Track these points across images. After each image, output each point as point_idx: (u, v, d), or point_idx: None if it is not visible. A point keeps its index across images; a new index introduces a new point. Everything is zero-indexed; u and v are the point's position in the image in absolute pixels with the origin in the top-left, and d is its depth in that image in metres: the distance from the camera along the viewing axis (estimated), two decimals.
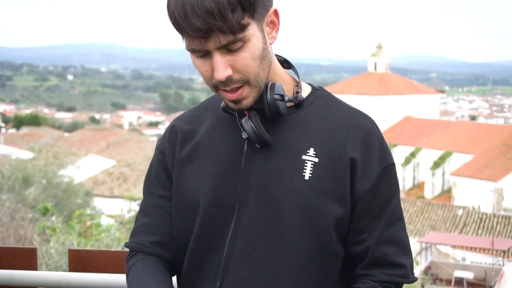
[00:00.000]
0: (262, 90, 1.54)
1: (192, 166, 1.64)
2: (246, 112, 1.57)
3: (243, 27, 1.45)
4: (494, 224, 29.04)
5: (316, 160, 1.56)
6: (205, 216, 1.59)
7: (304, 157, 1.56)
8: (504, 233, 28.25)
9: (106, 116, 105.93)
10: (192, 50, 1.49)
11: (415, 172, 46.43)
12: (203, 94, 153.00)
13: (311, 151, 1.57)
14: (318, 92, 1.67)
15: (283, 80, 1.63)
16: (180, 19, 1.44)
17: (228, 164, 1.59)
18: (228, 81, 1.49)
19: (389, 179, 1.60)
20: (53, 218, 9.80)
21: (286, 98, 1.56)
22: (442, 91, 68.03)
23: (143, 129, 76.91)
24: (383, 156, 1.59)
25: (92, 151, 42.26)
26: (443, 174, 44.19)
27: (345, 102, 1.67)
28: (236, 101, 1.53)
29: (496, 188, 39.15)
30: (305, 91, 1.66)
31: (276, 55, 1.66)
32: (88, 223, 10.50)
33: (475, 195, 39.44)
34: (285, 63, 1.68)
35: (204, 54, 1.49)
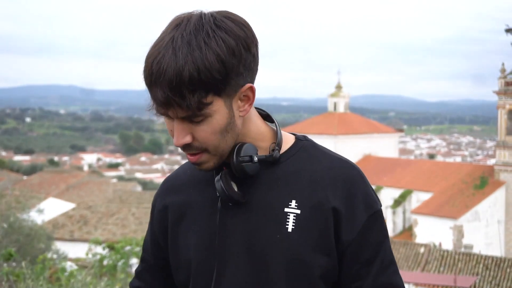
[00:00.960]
0: (225, 155, 1.55)
1: (183, 226, 1.67)
2: (224, 168, 1.58)
3: (203, 106, 1.45)
4: (456, 261, 29.26)
5: (299, 211, 1.56)
6: (195, 273, 1.62)
7: (286, 209, 1.56)
8: (465, 270, 28.45)
9: (65, 158, 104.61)
10: (156, 112, 1.50)
11: None
12: (163, 135, 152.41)
13: (293, 203, 1.56)
14: (301, 142, 1.67)
15: (262, 137, 1.63)
16: (146, 84, 1.47)
17: (208, 223, 1.61)
18: (186, 147, 1.51)
19: (376, 225, 1.60)
20: (14, 264, 9.65)
21: (255, 159, 1.56)
22: (401, 130, 68.82)
23: (103, 171, 76.24)
24: (368, 204, 1.59)
25: (52, 194, 41.65)
26: (404, 212, 44.53)
27: (329, 150, 1.67)
28: (197, 164, 1.55)
29: (456, 225, 39.55)
30: (287, 142, 1.66)
31: (259, 109, 1.67)
32: (53, 268, 10.34)
33: (435, 232, 39.76)
34: (269, 118, 1.68)
35: (169, 118, 1.50)
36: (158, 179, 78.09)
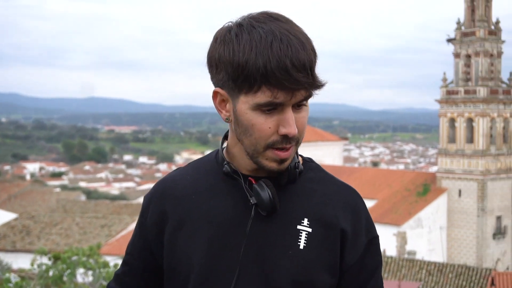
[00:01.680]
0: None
1: (185, 232, 1.63)
2: (251, 179, 1.60)
3: (322, 86, 1.53)
4: (399, 267, 29.68)
5: (310, 230, 1.59)
6: (199, 281, 1.59)
7: (299, 227, 1.59)
8: (409, 276, 28.89)
9: (7, 167, 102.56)
10: (269, 104, 1.48)
11: None
12: (108, 144, 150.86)
13: (305, 221, 1.59)
14: (308, 164, 1.71)
15: None
16: (278, 71, 1.44)
17: (227, 230, 1.60)
18: (291, 138, 1.52)
19: (374, 250, 1.67)
20: None
21: (300, 167, 1.63)
22: (345, 138, 69.58)
23: (46, 180, 74.92)
24: (369, 229, 1.66)
25: None
26: None
27: (332, 175, 1.72)
28: (283, 160, 1.55)
29: (399, 232, 40.13)
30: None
31: None
32: None
33: (380, 239, 40.26)
34: None
35: (272, 109, 1.50)
36: (102, 188, 77.16)
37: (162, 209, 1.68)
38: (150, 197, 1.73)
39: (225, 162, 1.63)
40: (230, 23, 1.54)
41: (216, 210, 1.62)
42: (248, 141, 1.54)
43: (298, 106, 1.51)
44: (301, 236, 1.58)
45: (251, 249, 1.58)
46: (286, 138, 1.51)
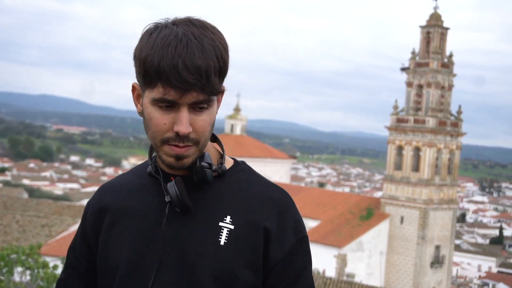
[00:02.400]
0: (202, 153, 1.64)
1: (116, 230, 1.70)
2: (172, 178, 1.64)
3: (218, 92, 1.57)
4: None
5: (232, 227, 1.63)
6: (123, 276, 1.65)
7: (221, 223, 1.63)
8: None
9: None
10: (162, 100, 1.54)
11: None
12: (55, 143, 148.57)
13: (228, 218, 1.64)
14: (239, 166, 1.78)
15: (210, 151, 1.73)
16: (168, 69, 1.50)
17: (149, 227, 1.66)
18: (184, 137, 1.56)
19: (303, 250, 1.69)
20: None
21: (214, 167, 1.66)
22: (294, 157, 69.88)
23: None
24: (297, 229, 1.69)
25: None
26: None
27: (264, 177, 1.77)
28: (180, 157, 1.60)
29: (340, 254, 40.41)
30: (228, 163, 1.77)
31: None
32: None
33: (320, 259, 40.54)
34: (212, 136, 1.76)
35: (169, 106, 1.55)
36: (46, 187, 75.89)
37: (101, 206, 1.76)
38: (91, 201, 1.81)
39: (150, 163, 1.72)
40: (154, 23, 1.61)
41: (143, 209, 1.69)
42: (149, 134, 1.62)
43: (199, 108, 1.56)
44: (222, 232, 1.62)
45: (171, 246, 1.63)
46: (179, 136, 1.56)
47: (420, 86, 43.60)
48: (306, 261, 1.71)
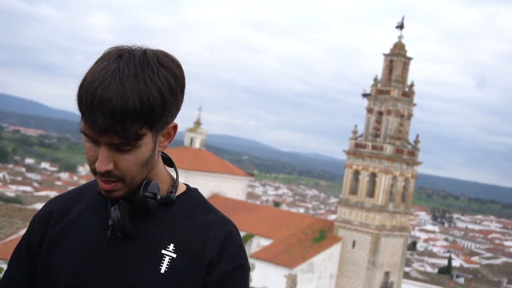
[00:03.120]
0: (135, 186, 1.60)
1: (60, 246, 1.68)
2: (120, 200, 1.63)
3: (138, 137, 1.50)
4: None
5: (174, 255, 1.62)
6: None
7: (163, 251, 1.62)
8: None
9: None
10: (85, 134, 1.53)
11: None
12: (11, 144, 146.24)
13: (171, 246, 1.63)
14: (190, 193, 1.76)
15: (161, 178, 1.70)
16: (85, 108, 1.47)
17: (91, 248, 1.64)
18: (105, 174, 1.54)
19: (238, 279, 1.65)
20: None
21: (158, 197, 1.63)
22: (252, 174, 69.90)
23: None
24: (236, 257, 1.66)
25: None
26: None
27: (213, 206, 1.75)
28: (107, 191, 1.58)
29: (290, 274, 40.50)
30: (179, 190, 1.74)
31: (162, 152, 1.73)
32: None
33: (271, 279, 40.55)
34: (168, 161, 1.76)
35: (94, 141, 1.53)
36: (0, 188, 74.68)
37: (50, 210, 1.76)
38: (38, 213, 1.79)
39: None
40: (133, 46, 1.57)
41: (88, 229, 1.68)
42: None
43: (121, 149, 1.52)
44: (163, 260, 1.61)
45: (111, 270, 1.61)
46: (105, 173, 1.54)
47: (380, 113, 44.11)
48: None
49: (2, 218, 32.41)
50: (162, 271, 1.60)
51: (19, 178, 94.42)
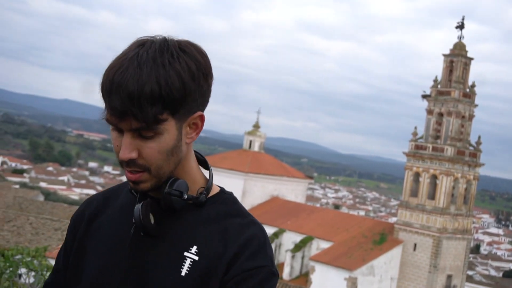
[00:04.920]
0: (163, 179, 1.58)
1: (90, 244, 1.71)
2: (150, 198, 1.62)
3: (158, 121, 1.49)
4: None
5: (197, 258, 1.58)
6: None
7: (186, 253, 1.59)
8: None
9: None
10: (107, 121, 1.53)
11: (276, 252, 46.99)
12: (75, 148, 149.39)
13: (194, 248, 1.59)
14: (223, 195, 1.72)
15: (193, 179, 1.68)
16: (104, 94, 1.49)
17: (116, 246, 1.65)
18: (130, 163, 1.53)
19: (257, 279, 1.57)
20: None
21: (185, 196, 1.60)
22: (311, 177, 69.65)
23: (6, 175, 73.79)
24: (257, 256, 1.59)
25: None
26: (303, 257, 44.94)
27: (244, 209, 1.70)
28: (134, 182, 1.57)
29: (350, 277, 40.20)
30: (212, 192, 1.70)
31: (197, 153, 1.73)
32: None
33: (331, 281, 40.33)
34: (204, 164, 1.74)
35: (118, 129, 1.53)
36: (63, 191, 76.31)
37: (79, 222, 1.78)
38: (79, 207, 1.83)
39: None
40: (156, 36, 1.57)
41: (116, 227, 1.68)
42: None
43: (144, 135, 1.51)
44: (185, 262, 1.58)
45: (133, 269, 1.60)
46: (130, 162, 1.53)
47: (441, 114, 43.44)
48: None
49: (66, 220, 33.09)
50: (183, 273, 1.57)
51: (83, 182, 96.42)
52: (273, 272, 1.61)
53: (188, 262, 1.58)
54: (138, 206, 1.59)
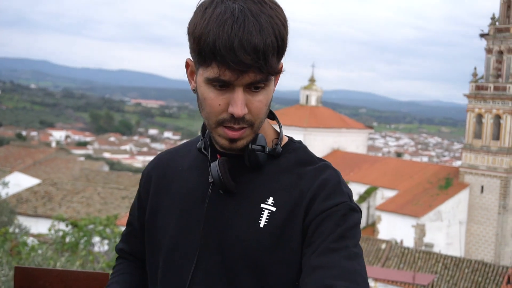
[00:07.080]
0: (256, 134, 1.58)
1: (164, 203, 1.71)
2: (219, 156, 1.62)
3: (276, 72, 1.51)
4: (415, 259, 29.65)
5: (274, 209, 1.57)
6: (167, 258, 1.66)
7: (262, 205, 1.58)
8: (424, 268, 28.86)
9: (34, 133, 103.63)
10: (217, 80, 1.49)
11: None
12: (134, 117, 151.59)
13: (271, 200, 1.58)
14: (293, 145, 1.70)
15: (266, 131, 1.67)
16: (224, 50, 1.43)
17: (193, 207, 1.64)
18: (240, 119, 1.51)
19: (337, 217, 1.53)
20: None
21: (267, 150, 1.60)
22: (371, 127, 69.12)
23: (71, 148, 75.64)
24: (333, 195, 1.56)
25: (17, 168, 41.31)
26: (368, 208, 44.94)
27: (315, 156, 1.68)
28: (234, 140, 1.55)
29: (418, 224, 40.02)
30: (283, 142, 1.69)
31: None
32: (14, 241, 10.31)
33: (398, 230, 40.21)
34: (270, 114, 1.70)
35: (223, 86, 1.50)
36: (126, 160, 77.75)
37: (150, 181, 1.78)
38: (145, 169, 1.85)
39: (201, 138, 1.68)
40: None
41: (190, 185, 1.68)
42: (203, 114, 1.57)
43: (255, 88, 1.51)
44: (263, 214, 1.57)
45: (212, 226, 1.60)
46: (234, 118, 1.51)
47: (501, 52, 42.29)
48: (342, 228, 1.52)
49: (132, 188, 33.74)
50: (261, 225, 1.56)
51: (145, 149, 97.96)
52: (353, 207, 1.57)
53: (266, 213, 1.57)
54: (215, 164, 1.59)
